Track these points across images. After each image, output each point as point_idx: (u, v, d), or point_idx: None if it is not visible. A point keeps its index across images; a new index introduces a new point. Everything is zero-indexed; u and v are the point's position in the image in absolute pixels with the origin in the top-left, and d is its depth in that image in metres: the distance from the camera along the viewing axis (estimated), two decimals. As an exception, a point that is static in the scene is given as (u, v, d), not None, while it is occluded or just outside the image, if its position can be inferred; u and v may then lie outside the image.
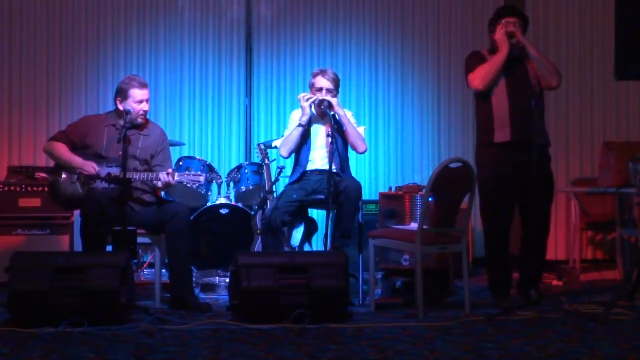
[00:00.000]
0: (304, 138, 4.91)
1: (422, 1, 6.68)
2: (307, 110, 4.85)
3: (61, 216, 5.26)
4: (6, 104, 6.19)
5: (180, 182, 4.50)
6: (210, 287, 5.09)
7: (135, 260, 5.15)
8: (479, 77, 4.48)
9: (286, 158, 5.04)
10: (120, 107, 4.55)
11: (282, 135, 5.10)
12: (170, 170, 4.41)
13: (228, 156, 6.45)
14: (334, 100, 4.84)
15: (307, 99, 4.84)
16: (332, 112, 4.79)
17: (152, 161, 4.61)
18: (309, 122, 4.91)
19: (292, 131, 4.89)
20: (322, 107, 4.84)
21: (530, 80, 4.47)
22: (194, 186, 4.69)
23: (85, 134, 4.55)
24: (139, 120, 4.56)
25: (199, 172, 4.74)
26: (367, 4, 6.64)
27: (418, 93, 6.66)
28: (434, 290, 4.77)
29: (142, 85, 4.57)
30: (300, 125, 4.85)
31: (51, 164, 4.65)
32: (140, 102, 4.55)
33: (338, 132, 4.81)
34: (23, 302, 3.84)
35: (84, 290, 3.83)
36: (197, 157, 5.68)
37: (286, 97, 6.52)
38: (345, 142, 4.93)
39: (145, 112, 4.58)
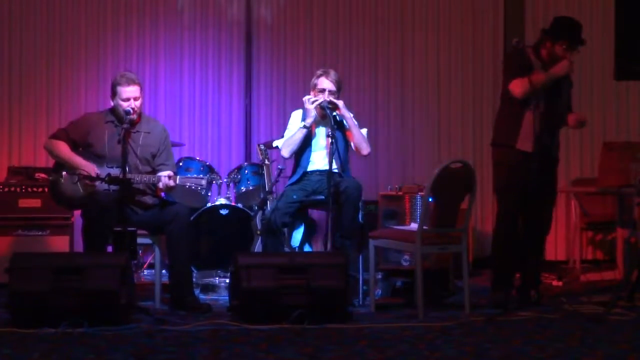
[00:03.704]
0: (306, 139, 4.90)
1: (422, 1, 6.68)
2: (313, 113, 4.83)
3: (61, 217, 5.26)
4: (6, 104, 6.17)
5: (183, 185, 4.50)
6: (210, 288, 5.09)
7: (135, 261, 5.14)
8: (520, 88, 4.42)
9: (287, 159, 5.03)
10: (112, 103, 4.53)
11: (283, 136, 5.09)
12: (171, 174, 4.40)
13: (228, 157, 6.44)
14: (340, 103, 4.84)
15: (313, 102, 4.82)
16: (334, 113, 4.78)
17: (155, 160, 4.57)
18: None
19: (295, 132, 4.87)
20: (323, 107, 4.82)
21: (562, 97, 4.54)
22: (198, 189, 4.66)
23: (87, 132, 4.51)
24: (127, 117, 4.37)
25: (202, 176, 4.71)
26: (367, 4, 6.63)
27: (418, 93, 6.65)
28: (434, 290, 4.77)
29: (129, 82, 4.44)
30: (304, 127, 4.84)
31: (51, 163, 4.63)
32: (127, 99, 4.43)
33: (338, 133, 4.81)
34: (23, 302, 3.84)
35: (84, 291, 3.83)
36: (197, 158, 5.68)
37: (286, 97, 6.51)
38: (346, 142, 4.92)
39: (134, 109, 4.42)
